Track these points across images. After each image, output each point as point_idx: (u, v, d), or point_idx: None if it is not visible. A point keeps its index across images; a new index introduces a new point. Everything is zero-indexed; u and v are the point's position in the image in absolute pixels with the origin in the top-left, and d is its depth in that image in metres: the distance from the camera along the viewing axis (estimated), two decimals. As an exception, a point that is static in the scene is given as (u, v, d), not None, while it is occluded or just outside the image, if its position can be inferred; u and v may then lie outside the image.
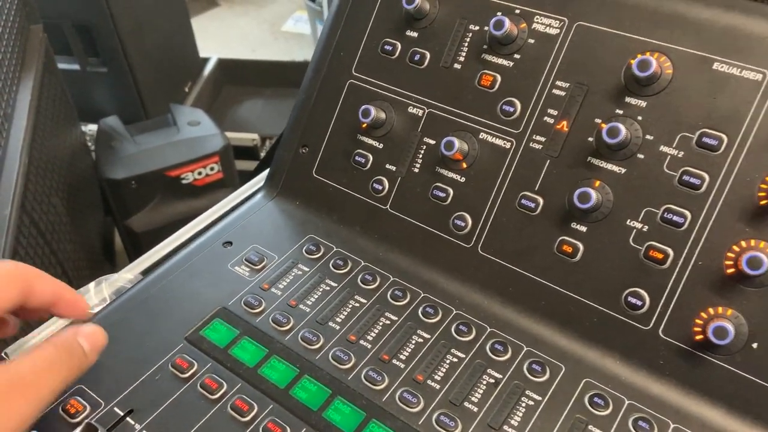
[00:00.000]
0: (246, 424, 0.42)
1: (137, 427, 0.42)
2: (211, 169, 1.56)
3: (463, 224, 0.51)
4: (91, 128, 1.81)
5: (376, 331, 0.48)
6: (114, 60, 1.71)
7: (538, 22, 0.50)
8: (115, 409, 0.42)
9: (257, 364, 0.46)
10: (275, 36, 2.92)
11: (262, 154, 1.89)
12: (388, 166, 0.55)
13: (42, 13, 1.41)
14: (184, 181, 1.53)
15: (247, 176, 1.89)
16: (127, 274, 0.56)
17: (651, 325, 0.44)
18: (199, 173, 1.54)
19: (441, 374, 0.45)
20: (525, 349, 0.46)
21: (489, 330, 0.48)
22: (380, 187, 0.55)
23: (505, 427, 0.42)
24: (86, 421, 0.42)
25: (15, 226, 0.99)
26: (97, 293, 0.54)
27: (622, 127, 0.44)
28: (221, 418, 0.42)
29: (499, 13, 0.51)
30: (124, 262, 1.76)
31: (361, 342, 0.47)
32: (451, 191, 0.52)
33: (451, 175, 0.52)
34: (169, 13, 1.89)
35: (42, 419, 0.41)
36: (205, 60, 2.10)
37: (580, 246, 0.47)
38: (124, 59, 1.71)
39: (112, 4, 1.61)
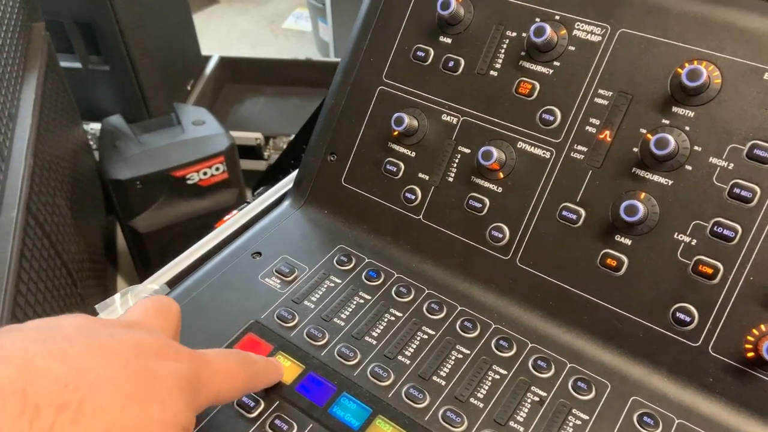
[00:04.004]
0: (286, 444, 0.41)
1: (174, 448, 0.40)
2: (217, 169, 1.54)
3: (500, 235, 0.50)
4: (93, 127, 1.79)
5: (414, 347, 0.47)
6: (116, 58, 1.69)
7: (579, 29, 0.48)
8: (151, 429, 0.41)
9: (294, 381, 0.44)
10: (275, 33, 2.90)
11: (266, 153, 1.87)
12: (420, 175, 0.54)
13: (43, 11, 1.39)
14: (189, 182, 1.52)
15: (251, 176, 1.87)
16: (152, 285, 0.54)
17: (700, 341, 0.43)
18: (205, 173, 1.53)
19: (484, 392, 0.44)
20: (568, 365, 0.45)
21: (530, 345, 0.47)
22: (413, 197, 0.54)
23: (554, 448, 0.41)
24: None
25: (21, 228, 0.97)
26: (123, 304, 0.52)
27: (671, 138, 0.43)
28: (260, 439, 0.41)
29: (537, 20, 0.50)
30: (126, 263, 1.74)
31: (400, 358, 0.46)
32: (487, 201, 0.51)
33: (487, 185, 0.51)
34: (172, 10, 1.86)
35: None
36: (207, 58, 2.08)
37: (625, 259, 0.46)
38: (127, 57, 1.68)
39: (114, 1, 1.58)
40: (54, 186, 1.27)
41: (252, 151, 1.85)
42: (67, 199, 1.36)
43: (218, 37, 2.80)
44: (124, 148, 1.50)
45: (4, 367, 0.25)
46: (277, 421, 0.42)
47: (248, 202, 0.75)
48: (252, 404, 0.42)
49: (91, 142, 1.76)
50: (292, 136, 1.87)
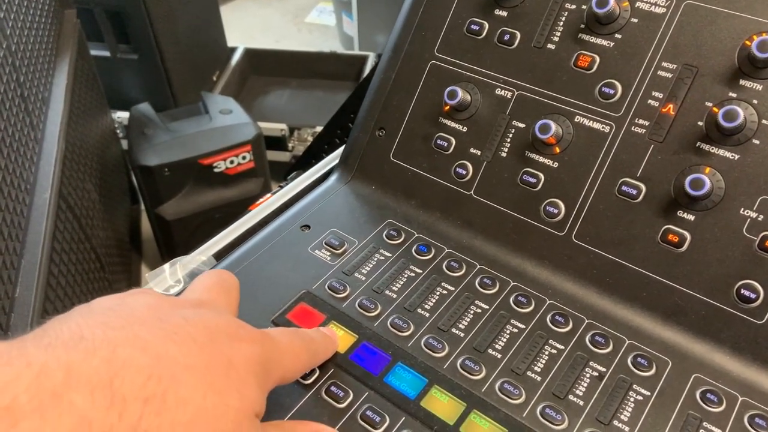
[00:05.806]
0: (342, 410, 0.40)
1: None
2: (243, 158, 1.54)
3: (555, 211, 0.49)
4: (120, 115, 1.80)
5: (468, 320, 0.46)
6: (145, 47, 1.70)
7: (642, 0, 0.48)
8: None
9: (348, 350, 0.44)
10: (299, 27, 2.91)
11: (290, 145, 1.88)
12: (472, 150, 0.53)
13: (75, -2, 1.40)
14: (216, 170, 1.52)
15: (274, 167, 1.87)
16: (200, 256, 0.54)
17: (765, 318, 0.42)
18: (231, 162, 1.53)
19: (541, 366, 0.43)
20: (627, 341, 0.44)
21: (587, 321, 0.46)
22: (464, 172, 0.53)
23: (615, 422, 0.40)
24: None
25: (53, 210, 0.98)
26: (172, 274, 0.52)
27: (740, 110, 0.42)
28: (317, 404, 0.41)
29: (598, -8, 0.49)
30: (150, 250, 1.75)
31: (453, 330, 0.45)
32: (542, 177, 0.50)
33: (542, 159, 0.50)
34: (200, 0, 1.87)
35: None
36: (233, 49, 2.09)
37: (687, 235, 0.45)
38: (155, 46, 1.69)
39: (144, -10, 1.59)
40: (84, 171, 1.28)
41: (276, 142, 1.86)
42: (96, 185, 1.37)
43: (241, 30, 2.80)
44: (152, 135, 1.51)
45: (90, 360, 0.25)
46: (332, 388, 0.41)
47: (287, 183, 0.75)
48: (308, 372, 0.42)
49: (118, 131, 1.77)
50: (317, 128, 1.87)
